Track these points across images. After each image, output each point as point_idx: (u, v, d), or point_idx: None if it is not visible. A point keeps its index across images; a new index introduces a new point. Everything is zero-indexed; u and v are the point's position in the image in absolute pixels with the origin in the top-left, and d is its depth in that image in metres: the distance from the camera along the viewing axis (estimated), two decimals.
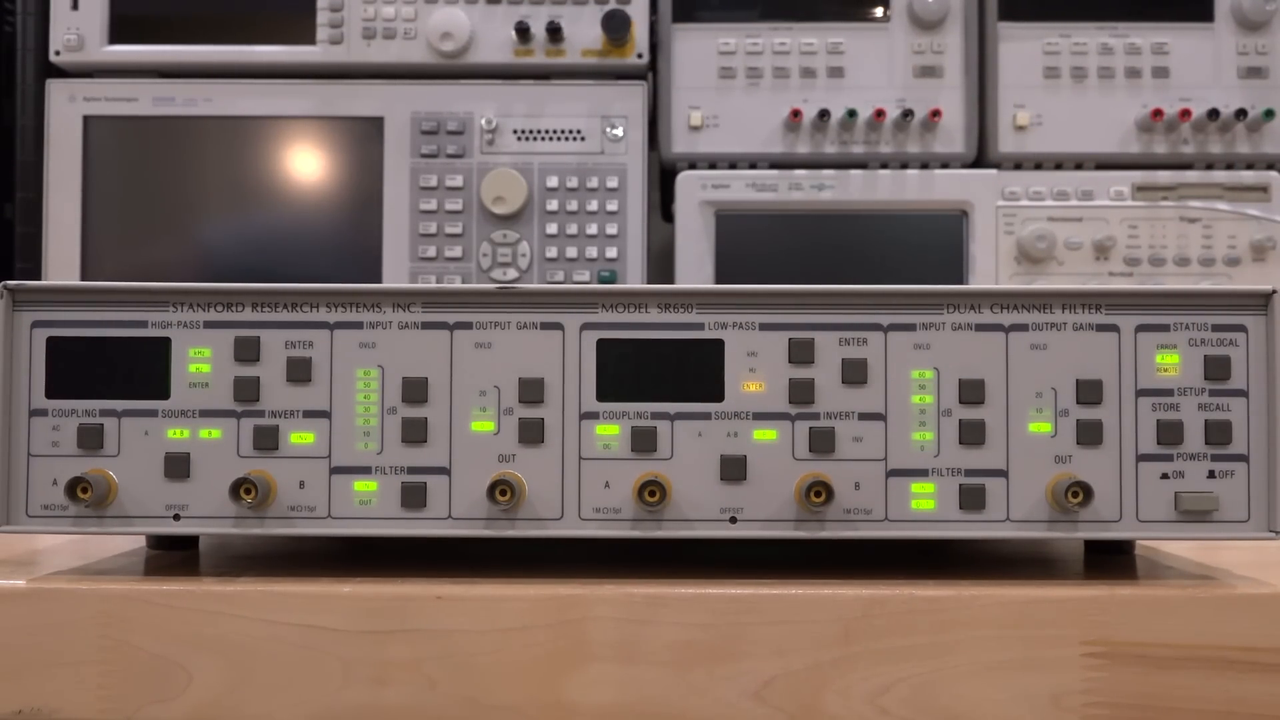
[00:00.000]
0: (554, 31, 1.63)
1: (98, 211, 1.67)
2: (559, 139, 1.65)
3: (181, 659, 0.51)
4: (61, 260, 1.65)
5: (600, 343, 0.54)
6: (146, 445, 0.54)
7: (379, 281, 1.62)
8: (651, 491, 0.53)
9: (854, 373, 0.54)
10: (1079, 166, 1.68)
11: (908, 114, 1.63)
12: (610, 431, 0.54)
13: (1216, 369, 0.54)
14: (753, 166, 1.67)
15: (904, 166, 1.66)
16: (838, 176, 1.64)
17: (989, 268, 1.62)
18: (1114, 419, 0.54)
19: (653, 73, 1.68)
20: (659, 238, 1.75)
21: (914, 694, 0.51)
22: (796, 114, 1.64)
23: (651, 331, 0.54)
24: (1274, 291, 0.54)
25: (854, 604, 0.51)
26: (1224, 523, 0.54)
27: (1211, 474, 0.54)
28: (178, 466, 0.54)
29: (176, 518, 0.54)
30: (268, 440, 0.54)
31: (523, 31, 1.63)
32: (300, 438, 0.54)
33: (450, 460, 0.54)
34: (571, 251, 1.65)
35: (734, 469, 0.54)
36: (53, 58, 1.66)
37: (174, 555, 0.61)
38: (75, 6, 1.66)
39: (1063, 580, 0.54)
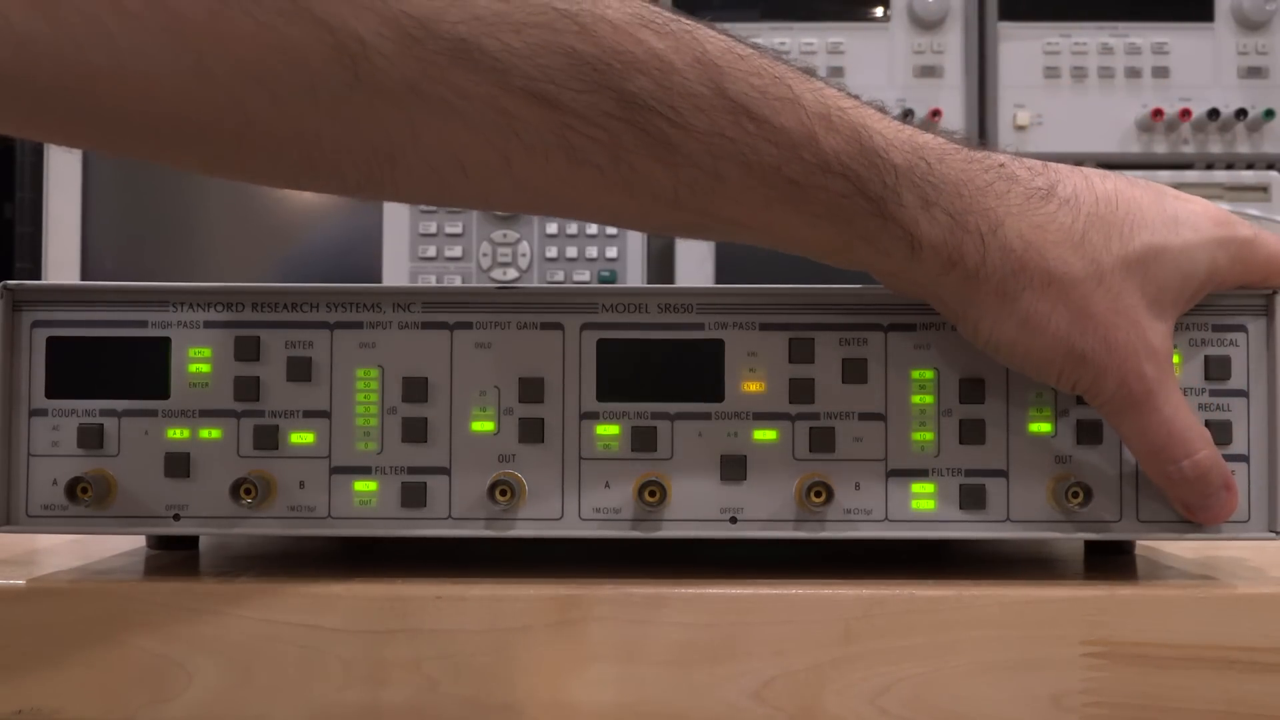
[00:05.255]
0: None
1: (98, 211, 1.67)
2: None
3: (181, 659, 0.51)
4: (61, 260, 1.65)
5: (600, 343, 0.54)
6: (146, 445, 0.54)
7: (379, 281, 1.62)
8: (651, 491, 0.53)
9: (854, 373, 0.54)
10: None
11: (908, 114, 1.63)
12: (610, 431, 0.54)
13: (1216, 369, 0.54)
14: None
15: None
16: None
17: None
18: None
19: None
20: (659, 238, 1.75)
21: (914, 694, 0.51)
22: None
23: (651, 331, 0.54)
24: (1274, 292, 0.54)
25: (854, 604, 0.51)
26: (1224, 522, 0.54)
27: None
28: (178, 466, 0.54)
29: (176, 518, 0.54)
30: (268, 440, 0.54)
31: None
32: (300, 438, 0.54)
33: (450, 460, 0.54)
34: (571, 251, 1.65)
35: (734, 469, 0.54)
36: None
37: (174, 555, 0.61)
38: None
39: (1063, 580, 0.54)
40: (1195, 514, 0.53)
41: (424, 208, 1.64)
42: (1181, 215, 0.52)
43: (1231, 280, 0.53)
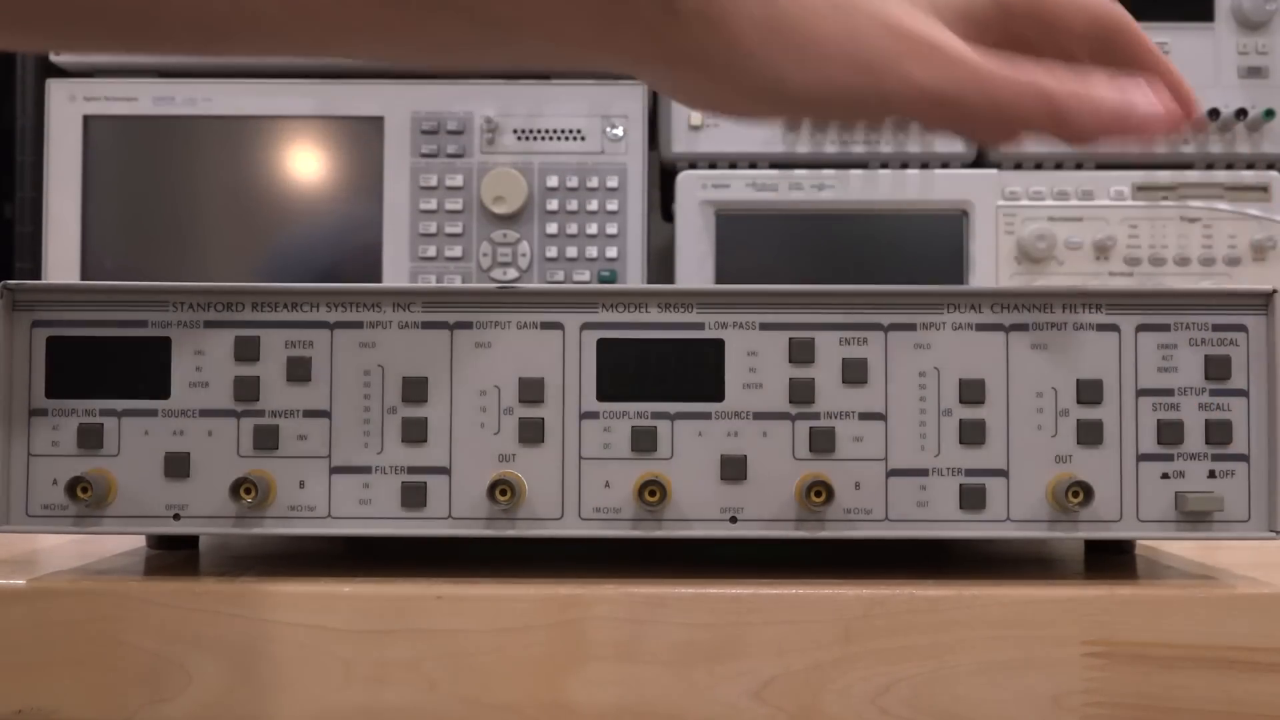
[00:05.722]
0: None
1: (98, 211, 1.67)
2: (559, 139, 1.65)
3: (181, 659, 0.51)
4: (61, 260, 1.65)
5: (600, 343, 0.54)
6: (146, 445, 0.54)
7: (379, 281, 1.62)
8: (651, 491, 0.53)
9: (854, 373, 0.54)
10: (1079, 166, 1.68)
11: None
12: (610, 431, 0.54)
13: (1216, 369, 0.54)
14: (753, 166, 1.67)
15: (904, 166, 1.66)
16: (838, 176, 1.64)
17: (989, 268, 1.62)
18: (1114, 419, 0.54)
19: None
20: (659, 238, 1.75)
21: (914, 694, 0.51)
22: None
23: (651, 331, 0.54)
24: (1274, 291, 0.54)
25: (854, 604, 0.51)
26: (1224, 523, 0.54)
27: (1212, 474, 0.54)
28: (178, 466, 0.54)
29: (176, 518, 0.54)
30: (268, 440, 0.54)
31: None
32: (300, 437, 0.54)
33: (450, 460, 0.54)
34: (571, 251, 1.65)
35: (734, 469, 0.54)
36: (53, 57, 1.66)
37: (174, 555, 0.61)
38: None
39: (1063, 580, 0.54)
40: (1127, 118, 0.51)
41: (423, 205, 1.64)
42: None
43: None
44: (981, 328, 0.54)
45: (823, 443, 0.54)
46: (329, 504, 0.54)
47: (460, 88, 1.66)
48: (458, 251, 1.65)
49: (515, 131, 1.65)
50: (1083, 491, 0.53)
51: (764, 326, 0.54)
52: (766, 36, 0.49)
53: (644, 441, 0.54)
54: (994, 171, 1.65)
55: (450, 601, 0.51)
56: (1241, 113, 1.63)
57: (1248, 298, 0.54)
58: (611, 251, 1.64)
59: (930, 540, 0.56)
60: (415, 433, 0.54)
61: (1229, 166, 1.66)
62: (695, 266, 1.63)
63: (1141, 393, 0.54)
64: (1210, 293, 0.54)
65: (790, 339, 0.54)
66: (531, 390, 0.54)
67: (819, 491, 0.53)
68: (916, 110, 0.51)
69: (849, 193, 1.64)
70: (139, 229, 1.69)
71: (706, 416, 0.54)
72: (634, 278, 1.64)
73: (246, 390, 0.54)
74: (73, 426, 0.54)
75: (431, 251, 1.64)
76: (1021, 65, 0.51)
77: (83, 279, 1.62)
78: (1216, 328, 0.54)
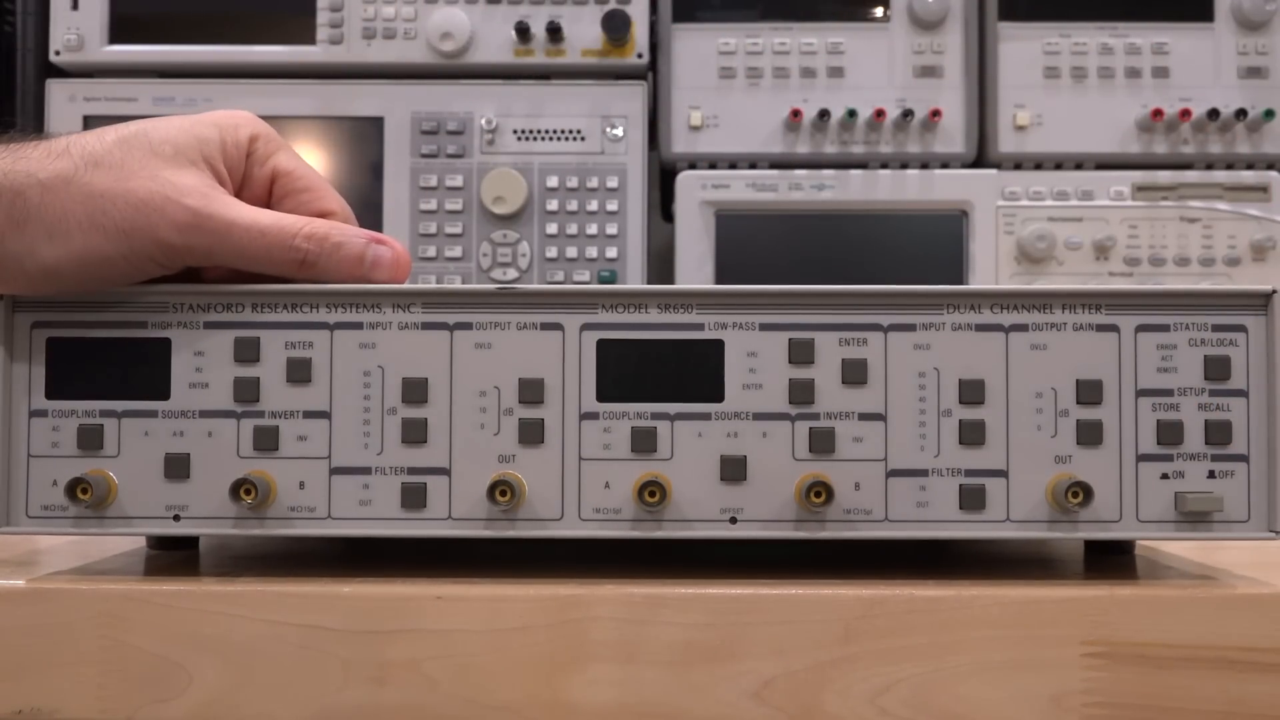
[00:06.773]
0: (554, 31, 1.63)
1: None
2: (559, 139, 1.65)
3: (181, 659, 0.51)
4: None
5: (600, 343, 0.54)
6: (146, 445, 0.54)
7: None
8: (651, 492, 0.53)
9: (854, 373, 0.54)
10: (1079, 166, 1.68)
11: (908, 114, 1.63)
12: (610, 432, 0.54)
13: (1216, 369, 0.54)
14: (753, 166, 1.67)
15: (904, 166, 1.66)
16: (838, 176, 1.64)
17: (989, 268, 1.62)
18: (1114, 419, 0.54)
19: (653, 73, 1.68)
20: (659, 238, 1.75)
21: (914, 694, 0.51)
22: (796, 114, 1.64)
23: (651, 331, 0.54)
24: (1274, 291, 0.54)
25: (854, 604, 0.51)
26: (1224, 523, 0.54)
27: (1211, 474, 0.54)
28: (178, 467, 0.54)
29: (176, 518, 0.54)
30: (268, 440, 0.54)
31: (523, 31, 1.63)
32: (300, 438, 0.54)
33: (450, 460, 0.54)
34: (571, 251, 1.65)
35: (734, 469, 0.54)
36: (53, 58, 1.66)
37: (174, 555, 0.61)
38: (75, 6, 1.66)
39: (1063, 580, 0.54)
40: (368, 270, 0.57)
41: (423, 206, 1.64)
42: (187, 115, 0.58)
43: (266, 155, 0.60)
44: (981, 328, 0.54)
45: (823, 443, 0.54)
46: (329, 505, 0.54)
47: (460, 88, 1.66)
48: (458, 252, 1.65)
49: (515, 131, 1.65)
50: (1082, 492, 0.53)
51: (764, 327, 0.54)
52: (10, 229, 0.53)
53: (644, 442, 0.54)
54: (994, 172, 1.65)
55: (450, 601, 0.51)
56: (1241, 113, 1.63)
57: (1247, 298, 0.54)
58: (611, 252, 1.64)
59: (930, 540, 0.56)
60: (415, 433, 0.54)
61: (1229, 167, 1.67)
62: (695, 266, 1.63)
63: (1141, 393, 0.54)
64: (1210, 293, 0.54)
65: (790, 339, 0.54)
66: (531, 391, 0.54)
67: (819, 492, 0.53)
68: (175, 263, 0.55)
69: (849, 193, 1.64)
70: None
71: (706, 417, 0.54)
72: (634, 278, 1.64)
73: (246, 391, 0.54)
74: (73, 427, 0.54)
75: (431, 252, 1.64)
76: (272, 214, 0.56)
77: None
78: (1216, 328, 0.54)
